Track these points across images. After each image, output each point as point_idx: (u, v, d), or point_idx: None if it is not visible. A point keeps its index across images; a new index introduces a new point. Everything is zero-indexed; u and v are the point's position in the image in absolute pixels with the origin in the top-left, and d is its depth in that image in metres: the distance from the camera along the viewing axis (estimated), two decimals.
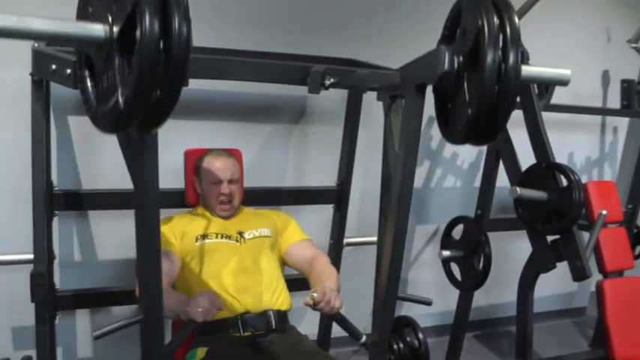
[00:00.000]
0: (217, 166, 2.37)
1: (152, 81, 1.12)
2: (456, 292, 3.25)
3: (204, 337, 2.12)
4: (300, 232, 2.48)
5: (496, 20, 1.48)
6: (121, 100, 1.16)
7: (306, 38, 2.91)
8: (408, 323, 2.38)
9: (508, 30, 1.47)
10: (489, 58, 1.45)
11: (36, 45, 1.91)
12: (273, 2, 2.88)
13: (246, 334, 2.12)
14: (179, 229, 2.28)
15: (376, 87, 2.15)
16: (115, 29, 1.16)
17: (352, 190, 2.82)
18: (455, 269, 3.18)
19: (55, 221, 2.36)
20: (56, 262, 2.35)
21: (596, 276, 3.16)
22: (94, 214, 2.66)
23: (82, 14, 1.29)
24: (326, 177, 2.88)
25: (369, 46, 2.99)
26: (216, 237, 2.28)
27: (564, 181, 2.62)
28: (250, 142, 2.89)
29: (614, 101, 3.82)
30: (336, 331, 2.58)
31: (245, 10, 2.81)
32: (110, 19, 1.17)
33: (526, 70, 1.58)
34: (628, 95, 3.63)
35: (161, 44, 1.11)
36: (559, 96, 3.29)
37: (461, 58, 1.54)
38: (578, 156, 4.05)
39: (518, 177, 2.81)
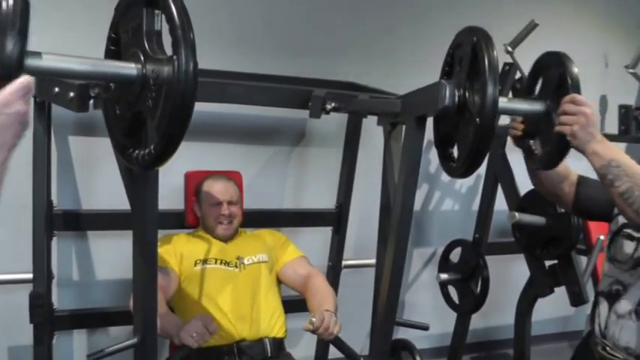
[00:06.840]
0: (217, 188, 2.38)
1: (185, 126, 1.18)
2: (453, 315, 3.25)
3: None
4: (295, 250, 2.48)
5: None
6: (152, 147, 1.22)
7: (306, 60, 2.92)
8: (406, 346, 2.37)
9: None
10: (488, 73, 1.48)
11: None
12: (273, 24, 2.90)
13: None
14: (178, 250, 2.28)
15: (377, 112, 2.17)
16: (149, 67, 1.19)
17: (351, 213, 2.82)
18: (452, 292, 3.18)
19: (54, 241, 2.36)
20: (54, 281, 2.35)
21: None
22: (93, 234, 2.65)
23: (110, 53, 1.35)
24: (325, 199, 2.88)
25: (370, 69, 3.00)
26: (216, 262, 2.28)
27: None
28: (250, 165, 2.89)
29: (612, 126, 3.84)
30: (333, 352, 2.57)
31: (245, 31, 2.83)
32: (142, 58, 1.20)
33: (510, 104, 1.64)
34: (626, 120, 3.66)
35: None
36: None
37: (461, 91, 1.57)
38: None
39: (517, 202, 2.82)
